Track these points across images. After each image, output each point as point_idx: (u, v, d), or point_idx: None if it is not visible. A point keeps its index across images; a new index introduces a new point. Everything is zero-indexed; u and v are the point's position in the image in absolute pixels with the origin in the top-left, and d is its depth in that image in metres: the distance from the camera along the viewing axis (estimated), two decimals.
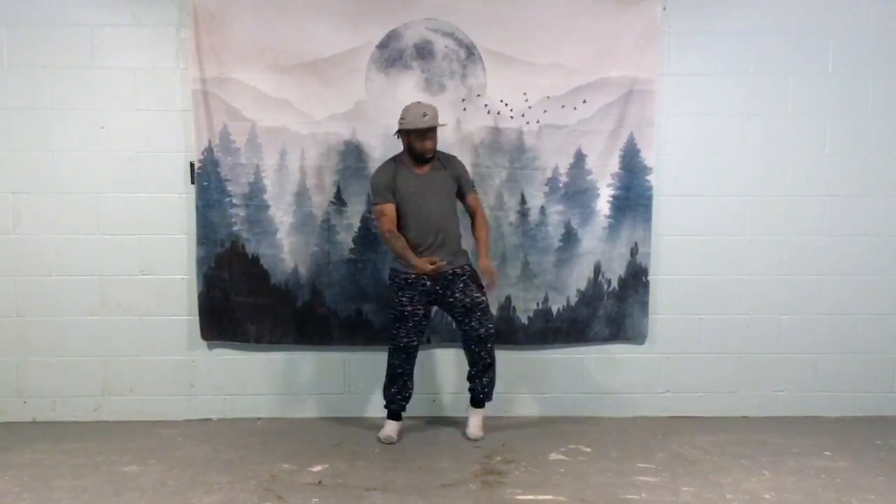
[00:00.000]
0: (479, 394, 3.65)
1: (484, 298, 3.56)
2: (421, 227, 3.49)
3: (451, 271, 3.51)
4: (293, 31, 3.73)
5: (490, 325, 3.57)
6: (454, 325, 3.65)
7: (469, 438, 3.60)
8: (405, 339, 3.52)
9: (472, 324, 3.53)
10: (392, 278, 3.55)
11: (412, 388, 3.63)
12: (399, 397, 3.61)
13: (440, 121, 3.49)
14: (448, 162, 3.58)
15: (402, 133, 3.48)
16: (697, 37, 3.87)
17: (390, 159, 3.58)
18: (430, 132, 3.46)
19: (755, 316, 4.00)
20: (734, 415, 4.01)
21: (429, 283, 3.48)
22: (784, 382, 4.04)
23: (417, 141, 3.44)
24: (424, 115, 3.41)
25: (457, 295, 3.51)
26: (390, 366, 3.58)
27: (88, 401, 3.90)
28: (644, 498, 2.93)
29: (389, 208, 3.47)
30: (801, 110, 3.91)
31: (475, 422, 3.65)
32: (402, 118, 3.46)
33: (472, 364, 3.62)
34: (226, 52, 3.71)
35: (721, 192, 3.94)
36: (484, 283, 3.55)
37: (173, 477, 3.12)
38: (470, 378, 3.65)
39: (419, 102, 3.53)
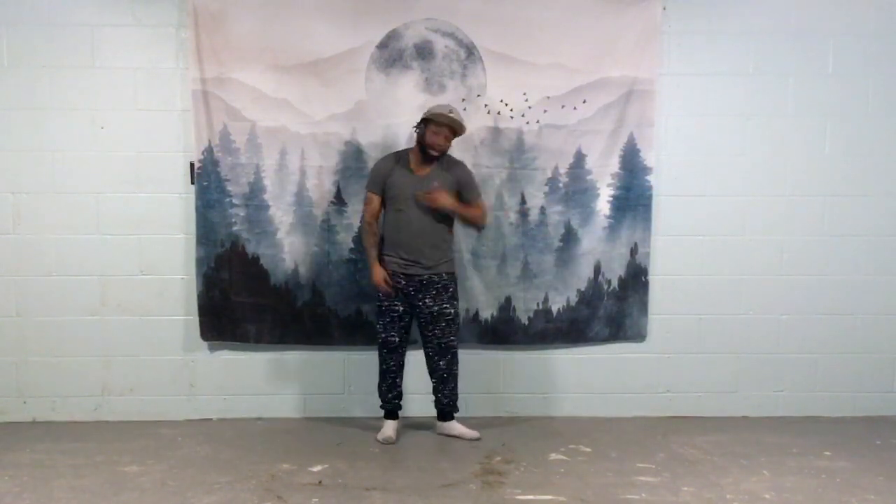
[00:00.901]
0: (444, 405, 3.65)
1: (451, 311, 3.54)
2: (402, 229, 3.49)
3: (425, 277, 3.50)
4: (293, 31, 3.73)
5: (452, 339, 3.56)
6: (419, 331, 3.63)
7: (472, 439, 3.57)
8: (384, 335, 3.56)
9: (435, 331, 3.54)
10: None
11: (401, 386, 3.65)
12: (390, 395, 3.63)
13: (464, 132, 3.51)
14: (451, 167, 3.56)
15: (423, 123, 3.47)
16: (697, 37, 3.87)
17: (396, 152, 3.60)
18: (446, 129, 3.43)
19: (755, 316, 4.00)
20: (734, 415, 4.01)
21: (403, 282, 3.50)
22: (784, 382, 4.04)
23: (432, 134, 3.43)
24: (451, 112, 3.44)
25: (427, 301, 3.51)
26: (379, 362, 3.62)
27: (88, 401, 3.90)
28: (644, 498, 2.92)
29: (376, 200, 3.53)
30: (801, 110, 3.91)
31: (459, 428, 3.62)
32: (429, 112, 3.47)
33: (430, 374, 3.64)
34: (226, 52, 3.71)
35: (721, 192, 3.94)
36: (428, 193, 3.43)
37: (173, 477, 3.12)
38: (434, 391, 3.66)
39: (450, 104, 3.58)
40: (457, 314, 3.61)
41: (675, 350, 4.00)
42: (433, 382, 3.64)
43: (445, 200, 3.45)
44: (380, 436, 3.57)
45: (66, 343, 3.87)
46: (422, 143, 3.47)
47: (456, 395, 3.65)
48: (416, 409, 3.90)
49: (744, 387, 4.03)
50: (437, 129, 3.43)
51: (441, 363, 3.58)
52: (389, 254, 3.53)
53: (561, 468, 3.24)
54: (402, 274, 3.50)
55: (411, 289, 3.51)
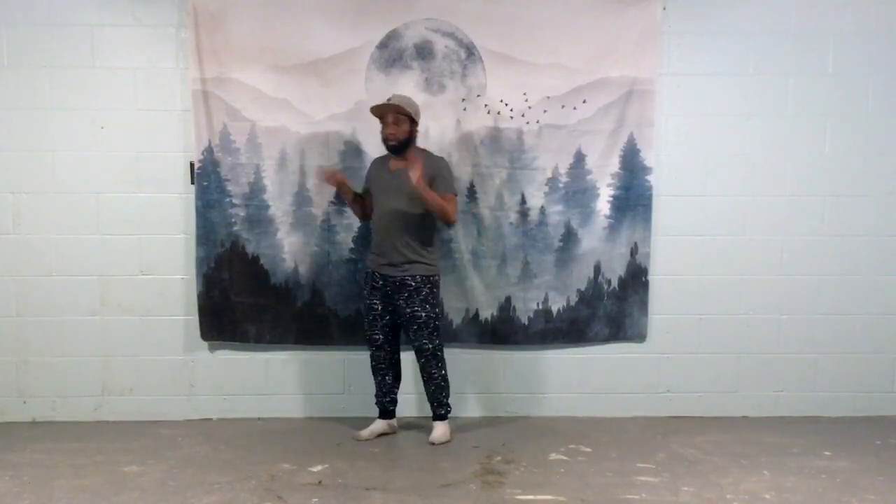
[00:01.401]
0: (430, 405, 3.63)
1: (423, 315, 3.48)
2: (376, 225, 3.53)
3: (398, 279, 3.48)
4: (293, 31, 3.73)
5: (425, 342, 3.51)
6: None
7: (429, 442, 3.54)
8: (369, 332, 3.59)
9: (410, 335, 3.55)
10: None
11: (391, 385, 3.65)
12: (379, 393, 3.65)
13: (411, 109, 3.44)
14: (427, 161, 3.46)
15: None
16: (697, 37, 3.87)
17: (386, 154, 3.60)
18: (389, 116, 3.43)
19: (755, 316, 4.00)
20: (734, 415, 4.01)
21: (380, 282, 3.51)
22: (784, 382, 4.04)
23: (383, 128, 3.47)
24: (389, 99, 3.46)
25: (400, 303, 3.50)
26: (370, 359, 3.65)
27: (88, 401, 3.90)
28: (644, 498, 2.92)
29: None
30: (801, 110, 3.91)
31: (435, 432, 3.58)
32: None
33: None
34: (226, 52, 3.71)
35: (721, 192, 3.94)
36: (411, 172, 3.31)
37: (173, 477, 3.12)
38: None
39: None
40: (430, 318, 3.49)
41: (675, 350, 4.00)
42: (422, 380, 3.64)
43: (419, 182, 3.29)
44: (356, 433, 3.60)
45: (66, 343, 3.87)
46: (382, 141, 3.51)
47: (438, 398, 3.60)
48: (415, 410, 3.91)
49: (744, 387, 4.03)
50: (384, 121, 3.45)
51: (421, 361, 3.57)
52: (371, 251, 3.58)
53: (561, 468, 3.24)
54: (379, 273, 3.51)
55: (388, 288, 3.51)
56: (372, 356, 3.63)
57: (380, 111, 3.45)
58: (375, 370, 3.64)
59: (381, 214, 3.51)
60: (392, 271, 3.48)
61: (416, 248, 3.48)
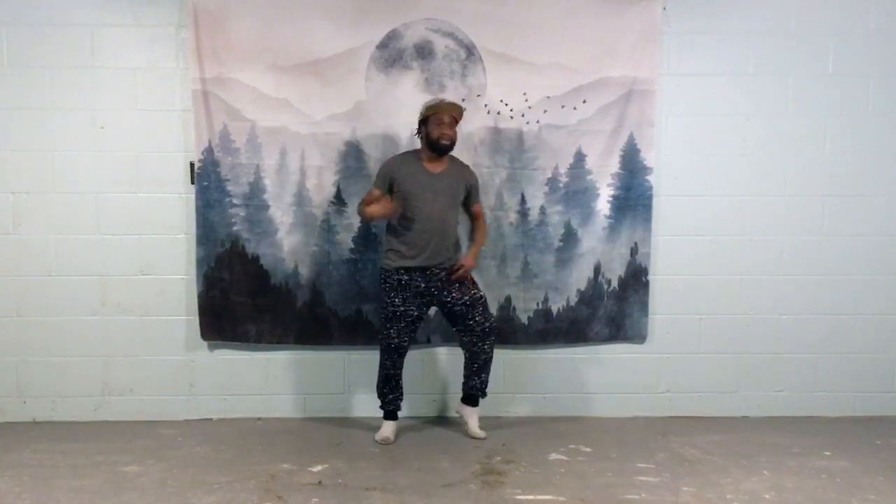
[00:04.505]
0: (477, 391, 3.64)
1: (482, 294, 3.59)
2: (421, 226, 3.48)
3: (444, 274, 3.51)
4: (293, 31, 3.73)
5: (492, 319, 3.61)
6: (451, 324, 3.62)
7: (475, 437, 3.58)
8: (397, 340, 3.52)
9: (477, 318, 3.53)
10: (384, 279, 3.53)
11: (402, 388, 3.64)
12: (392, 397, 3.62)
13: (462, 113, 3.55)
14: (462, 169, 3.62)
15: (422, 125, 3.50)
16: (697, 37, 3.87)
17: (401, 154, 3.62)
18: (447, 116, 3.47)
19: (755, 316, 4.00)
20: (734, 415, 4.01)
21: (423, 284, 3.48)
22: (784, 382, 4.04)
23: (437, 126, 3.45)
24: (444, 101, 3.52)
25: (454, 294, 3.51)
26: (383, 366, 3.58)
27: (88, 401, 3.90)
28: (644, 498, 2.92)
29: (375, 192, 3.52)
30: (801, 110, 3.92)
31: (475, 421, 3.64)
32: (421, 112, 3.52)
33: (471, 360, 3.61)
34: (226, 52, 3.71)
35: (721, 192, 3.94)
36: (457, 272, 3.52)
37: (173, 477, 3.12)
38: (468, 375, 3.64)
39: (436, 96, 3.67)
40: (486, 297, 3.64)
41: (675, 350, 4.00)
42: (474, 368, 3.60)
43: (472, 264, 3.58)
44: (378, 436, 3.57)
45: (66, 343, 3.87)
46: (430, 140, 3.48)
47: (486, 379, 3.64)
48: (416, 409, 3.91)
49: (744, 387, 4.03)
50: (439, 120, 3.45)
51: (485, 347, 3.57)
52: (407, 255, 3.48)
53: (561, 468, 3.24)
54: (422, 274, 3.48)
55: (433, 288, 3.50)
56: (393, 363, 3.56)
57: (450, 109, 3.49)
58: (392, 377, 3.58)
59: (430, 216, 3.47)
60: (442, 264, 3.50)
61: (456, 238, 3.62)
